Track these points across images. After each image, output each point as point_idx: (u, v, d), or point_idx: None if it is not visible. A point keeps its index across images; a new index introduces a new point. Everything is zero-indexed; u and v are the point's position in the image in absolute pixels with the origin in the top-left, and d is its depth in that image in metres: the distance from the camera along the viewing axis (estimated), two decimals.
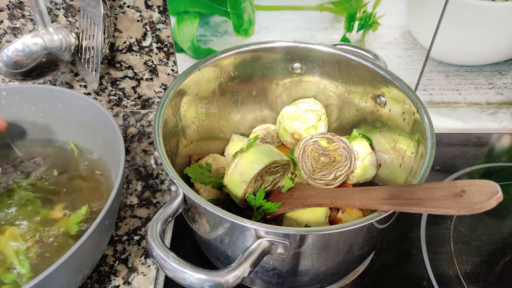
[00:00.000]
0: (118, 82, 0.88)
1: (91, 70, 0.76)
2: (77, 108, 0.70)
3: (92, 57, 0.75)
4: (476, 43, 0.80)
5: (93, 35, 0.73)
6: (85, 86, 0.89)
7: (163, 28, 0.79)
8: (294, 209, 0.60)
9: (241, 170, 0.60)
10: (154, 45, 0.81)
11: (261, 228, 0.46)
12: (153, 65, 0.85)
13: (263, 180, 0.63)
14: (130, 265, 0.66)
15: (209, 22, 0.77)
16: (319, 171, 0.67)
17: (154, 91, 0.90)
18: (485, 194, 0.39)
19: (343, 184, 0.71)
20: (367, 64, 0.66)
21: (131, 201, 0.75)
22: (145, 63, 0.85)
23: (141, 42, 0.81)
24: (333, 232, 0.47)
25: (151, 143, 0.86)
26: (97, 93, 0.90)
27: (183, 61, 0.83)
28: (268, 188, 0.64)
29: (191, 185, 0.66)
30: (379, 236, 0.57)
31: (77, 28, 0.78)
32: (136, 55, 0.83)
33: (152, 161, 0.83)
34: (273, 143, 0.78)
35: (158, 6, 0.76)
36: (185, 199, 0.51)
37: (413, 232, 0.74)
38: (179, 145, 0.66)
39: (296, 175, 0.67)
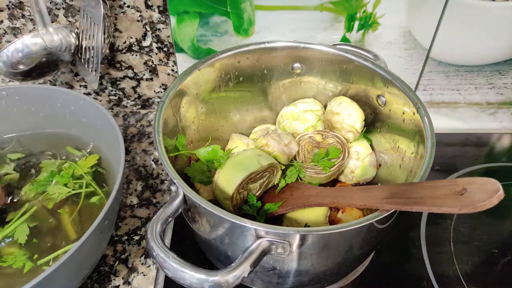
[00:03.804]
0: (118, 82, 0.88)
1: (91, 70, 0.76)
2: (77, 108, 0.70)
3: (92, 57, 0.75)
4: (476, 43, 0.80)
5: (93, 35, 0.73)
6: (85, 86, 0.89)
7: (163, 28, 0.79)
8: (295, 209, 0.60)
9: (220, 188, 0.60)
10: (154, 45, 0.81)
11: (261, 228, 0.46)
12: (153, 65, 0.85)
13: (248, 189, 0.62)
14: (130, 265, 0.66)
15: (209, 22, 0.77)
16: (311, 161, 0.67)
17: (154, 91, 0.90)
18: (486, 192, 0.39)
19: (343, 184, 0.71)
20: (367, 64, 0.66)
21: (131, 201, 0.75)
22: (145, 63, 0.84)
23: (141, 42, 0.81)
24: (333, 232, 0.47)
25: (151, 143, 0.86)
26: (97, 93, 0.90)
27: (183, 61, 0.83)
28: (259, 192, 0.64)
29: (191, 185, 0.66)
30: (379, 236, 0.57)
31: (77, 28, 0.78)
32: (136, 55, 0.83)
33: (152, 161, 0.83)
34: None
35: (158, 6, 0.76)
36: (185, 199, 0.51)
37: (413, 232, 0.74)
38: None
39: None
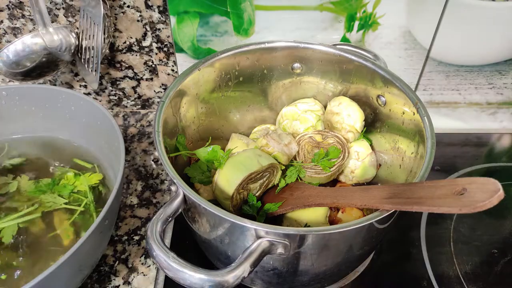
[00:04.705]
0: (118, 82, 0.88)
1: (91, 70, 0.76)
2: (77, 108, 0.70)
3: (92, 57, 0.75)
4: (476, 43, 0.80)
5: (93, 35, 0.73)
6: (85, 86, 0.89)
7: (163, 28, 0.79)
8: (295, 209, 0.60)
9: (220, 188, 0.60)
10: (154, 45, 0.81)
11: (261, 228, 0.46)
12: (153, 65, 0.85)
13: (248, 189, 0.62)
14: (130, 265, 0.66)
15: (209, 22, 0.77)
16: (311, 161, 0.67)
17: (154, 91, 0.90)
18: (486, 192, 0.39)
19: (343, 184, 0.71)
20: (367, 64, 0.66)
21: (131, 201, 0.75)
22: (145, 63, 0.85)
23: (141, 42, 0.81)
24: (333, 232, 0.47)
25: (151, 143, 0.86)
26: (97, 93, 0.90)
27: (183, 61, 0.83)
28: (259, 192, 0.64)
29: (191, 185, 0.66)
30: (379, 236, 0.57)
31: (77, 28, 0.78)
32: (136, 55, 0.83)
33: (152, 161, 0.83)
34: None
35: (158, 6, 0.76)
36: (185, 199, 0.51)
37: (413, 232, 0.74)
38: None
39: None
